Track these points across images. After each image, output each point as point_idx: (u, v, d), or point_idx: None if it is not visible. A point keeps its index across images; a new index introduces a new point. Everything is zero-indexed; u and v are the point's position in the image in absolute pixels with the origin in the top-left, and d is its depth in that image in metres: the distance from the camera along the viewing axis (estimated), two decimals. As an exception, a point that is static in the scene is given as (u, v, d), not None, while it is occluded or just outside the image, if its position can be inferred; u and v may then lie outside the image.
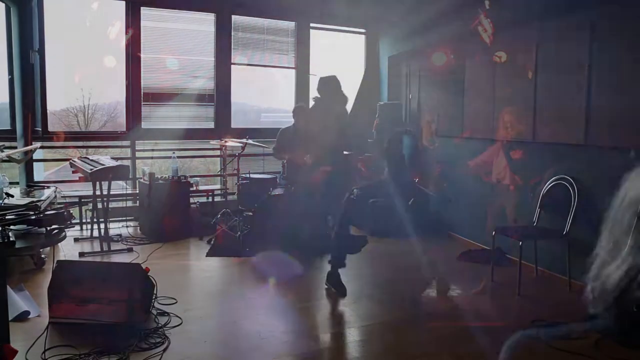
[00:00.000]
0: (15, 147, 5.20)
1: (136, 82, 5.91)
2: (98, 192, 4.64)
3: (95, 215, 4.98)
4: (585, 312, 3.19)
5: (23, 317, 3.19)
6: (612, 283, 2.81)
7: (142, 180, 5.50)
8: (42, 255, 4.29)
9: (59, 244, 4.17)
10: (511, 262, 4.52)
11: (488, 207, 4.91)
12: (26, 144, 5.30)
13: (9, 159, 4.70)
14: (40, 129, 5.51)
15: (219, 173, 6.48)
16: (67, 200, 5.38)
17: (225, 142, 5.40)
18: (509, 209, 4.70)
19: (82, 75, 4.92)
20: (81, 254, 4.66)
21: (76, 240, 5.18)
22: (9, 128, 5.49)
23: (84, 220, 5.63)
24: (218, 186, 6.40)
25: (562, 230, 3.88)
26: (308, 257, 4.71)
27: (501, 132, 4.76)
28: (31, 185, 5.19)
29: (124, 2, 5.77)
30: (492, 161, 4.90)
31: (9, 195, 4.21)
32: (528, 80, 4.40)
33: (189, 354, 2.82)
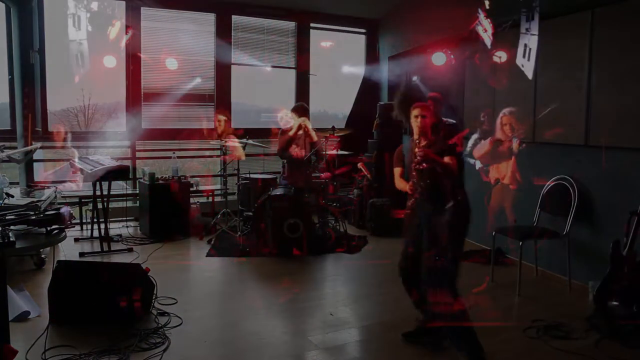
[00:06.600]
0: (15, 147, 5.20)
1: (136, 82, 5.91)
2: (98, 192, 4.64)
3: (95, 215, 4.98)
4: (585, 312, 3.20)
5: (23, 317, 3.19)
6: None
7: (142, 180, 5.50)
8: (42, 255, 4.30)
9: (59, 244, 4.16)
10: (511, 262, 4.52)
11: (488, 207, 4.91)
12: (26, 144, 5.29)
13: (9, 159, 4.70)
14: (40, 129, 5.51)
15: (219, 173, 6.48)
16: (67, 200, 5.38)
17: (226, 142, 5.40)
18: (508, 208, 4.70)
19: (82, 75, 4.90)
20: (81, 254, 4.67)
21: (76, 240, 5.18)
22: (9, 128, 5.49)
23: (84, 220, 5.63)
24: (218, 186, 6.39)
25: (562, 230, 3.88)
26: (307, 257, 4.72)
27: (500, 132, 4.76)
28: (31, 186, 5.19)
29: (124, 2, 5.77)
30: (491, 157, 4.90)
31: (9, 195, 4.21)
32: (528, 80, 4.39)
33: (189, 354, 2.82)
